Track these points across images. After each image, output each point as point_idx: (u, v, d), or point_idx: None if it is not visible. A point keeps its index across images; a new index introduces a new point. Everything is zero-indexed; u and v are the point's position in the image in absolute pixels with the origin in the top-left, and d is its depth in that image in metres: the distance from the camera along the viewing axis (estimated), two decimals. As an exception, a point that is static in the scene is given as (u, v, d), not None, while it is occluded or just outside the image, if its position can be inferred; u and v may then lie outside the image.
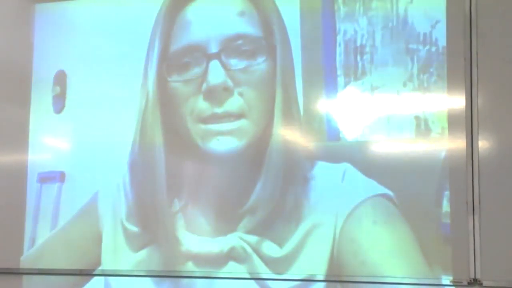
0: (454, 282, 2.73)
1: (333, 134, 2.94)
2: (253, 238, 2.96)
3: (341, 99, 2.95)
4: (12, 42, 3.48)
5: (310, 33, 3.01)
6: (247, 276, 2.96)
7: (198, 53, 3.08)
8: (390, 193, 2.81)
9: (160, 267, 3.09)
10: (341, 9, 2.98)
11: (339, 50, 2.96)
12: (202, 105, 3.04)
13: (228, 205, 3.04)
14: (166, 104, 3.14)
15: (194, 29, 3.12)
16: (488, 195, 2.70)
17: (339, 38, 2.97)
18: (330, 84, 2.96)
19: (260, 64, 3.02)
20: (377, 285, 2.81)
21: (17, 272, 3.34)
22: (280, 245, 2.93)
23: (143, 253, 3.12)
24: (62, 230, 3.29)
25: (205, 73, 3.05)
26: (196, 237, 3.04)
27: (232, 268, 2.98)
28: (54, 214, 3.33)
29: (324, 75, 2.97)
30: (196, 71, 3.08)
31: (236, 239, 2.98)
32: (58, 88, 3.39)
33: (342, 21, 2.97)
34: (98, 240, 3.20)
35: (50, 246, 3.30)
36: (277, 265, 2.92)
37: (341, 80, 2.95)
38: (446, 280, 2.74)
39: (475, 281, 2.70)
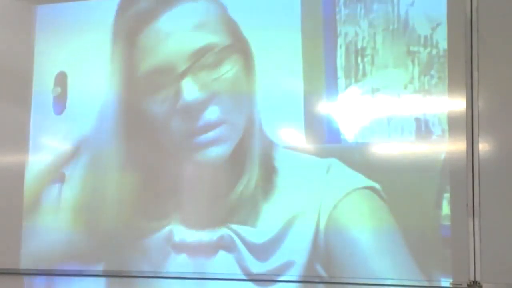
0: (454, 284, 2.73)
1: (334, 135, 2.95)
2: (237, 227, 3.01)
3: (342, 101, 2.95)
4: (13, 43, 3.49)
5: (311, 35, 3.01)
6: (238, 271, 3.01)
7: (168, 74, 3.14)
8: (377, 186, 2.83)
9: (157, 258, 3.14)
10: (342, 12, 2.99)
11: (340, 52, 2.97)
12: (180, 124, 3.11)
13: (216, 198, 3.08)
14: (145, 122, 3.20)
15: (158, 51, 3.18)
16: (488, 197, 2.71)
17: (340, 40, 2.97)
18: (331, 86, 2.96)
19: (229, 71, 3.08)
20: (375, 287, 2.81)
21: (16, 273, 3.34)
22: (262, 232, 2.96)
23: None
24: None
25: (178, 92, 3.11)
26: (189, 230, 3.09)
27: (222, 257, 3.02)
28: (54, 215, 3.33)
29: (325, 77, 2.98)
30: (168, 91, 3.14)
31: (224, 229, 3.03)
32: (59, 89, 3.40)
33: (343, 24, 2.98)
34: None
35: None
36: (259, 251, 2.97)
37: (341, 82, 2.96)
38: (446, 282, 2.74)
39: (474, 283, 2.70)
